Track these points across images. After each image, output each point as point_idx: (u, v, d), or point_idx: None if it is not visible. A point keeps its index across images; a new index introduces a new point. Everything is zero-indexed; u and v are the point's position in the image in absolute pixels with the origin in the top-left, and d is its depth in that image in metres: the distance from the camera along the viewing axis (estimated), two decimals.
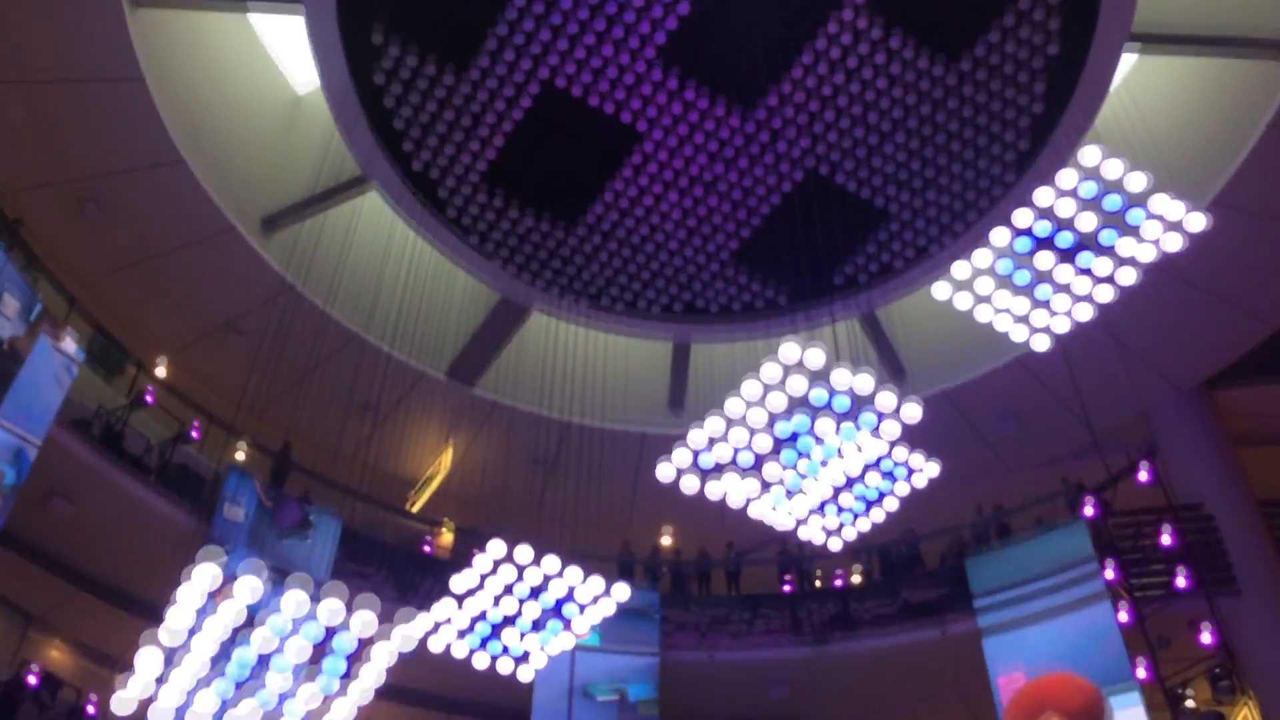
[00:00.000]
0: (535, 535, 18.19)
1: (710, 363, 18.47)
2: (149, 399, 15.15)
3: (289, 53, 15.72)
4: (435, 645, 8.63)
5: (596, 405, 17.32)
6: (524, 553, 8.75)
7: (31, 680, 12.47)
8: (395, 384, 17.46)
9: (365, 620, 6.72)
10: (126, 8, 12.82)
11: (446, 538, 19.52)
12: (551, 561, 8.85)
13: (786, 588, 17.96)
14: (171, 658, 6.52)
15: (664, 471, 8.90)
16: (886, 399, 8.49)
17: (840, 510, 9.13)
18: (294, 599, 6.53)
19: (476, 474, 19.19)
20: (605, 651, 16.11)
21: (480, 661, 8.77)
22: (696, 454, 8.77)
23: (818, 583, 18.23)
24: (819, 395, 8.43)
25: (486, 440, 19.11)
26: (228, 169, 15.36)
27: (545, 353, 17.07)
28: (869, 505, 9.10)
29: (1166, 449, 16.61)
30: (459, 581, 8.62)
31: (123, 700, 6.53)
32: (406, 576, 16.90)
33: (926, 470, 8.98)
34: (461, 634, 8.67)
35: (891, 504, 9.11)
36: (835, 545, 9.52)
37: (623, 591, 9.07)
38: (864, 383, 8.39)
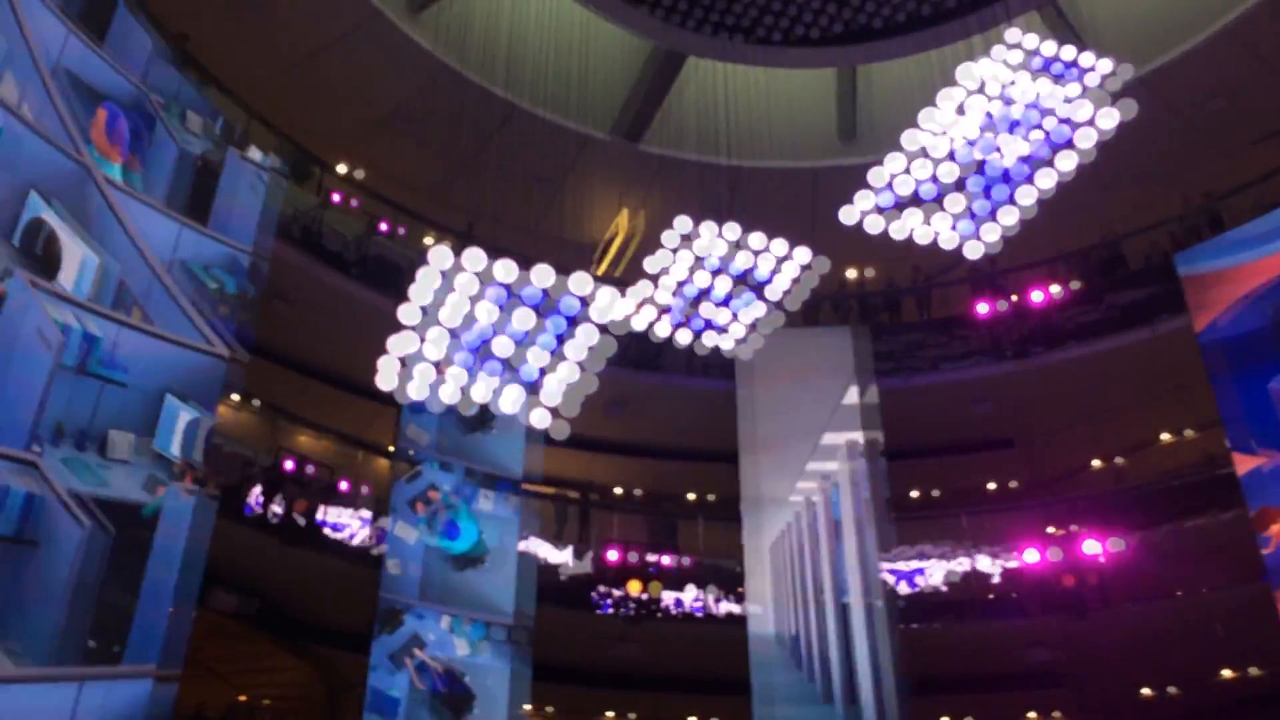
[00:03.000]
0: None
1: (880, 85, 17.59)
2: (336, 198, 15.74)
3: None
4: (638, 324, 8.50)
5: (765, 146, 16.92)
6: (708, 227, 8.53)
7: (288, 465, 13.81)
8: (564, 151, 17.50)
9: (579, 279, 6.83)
10: None
11: None
12: (732, 228, 8.58)
13: (982, 305, 17.57)
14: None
15: (847, 215, 8.58)
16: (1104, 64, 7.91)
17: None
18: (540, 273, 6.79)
19: (651, 232, 19.31)
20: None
21: (683, 337, 8.81)
22: (879, 191, 8.38)
23: (1014, 297, 17.74)
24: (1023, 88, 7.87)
25: (660, 196, 19.07)
26: None
27: (706, 99, 16.62)
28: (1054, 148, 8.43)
29: None
30: (652, 261, 8.53)
31: (384, 373, 6.85)
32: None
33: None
34: (661, 313, 8.66)
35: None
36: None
37: (823, 264, 8.80)
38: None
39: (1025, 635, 14.43)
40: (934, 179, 8.27)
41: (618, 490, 19.53)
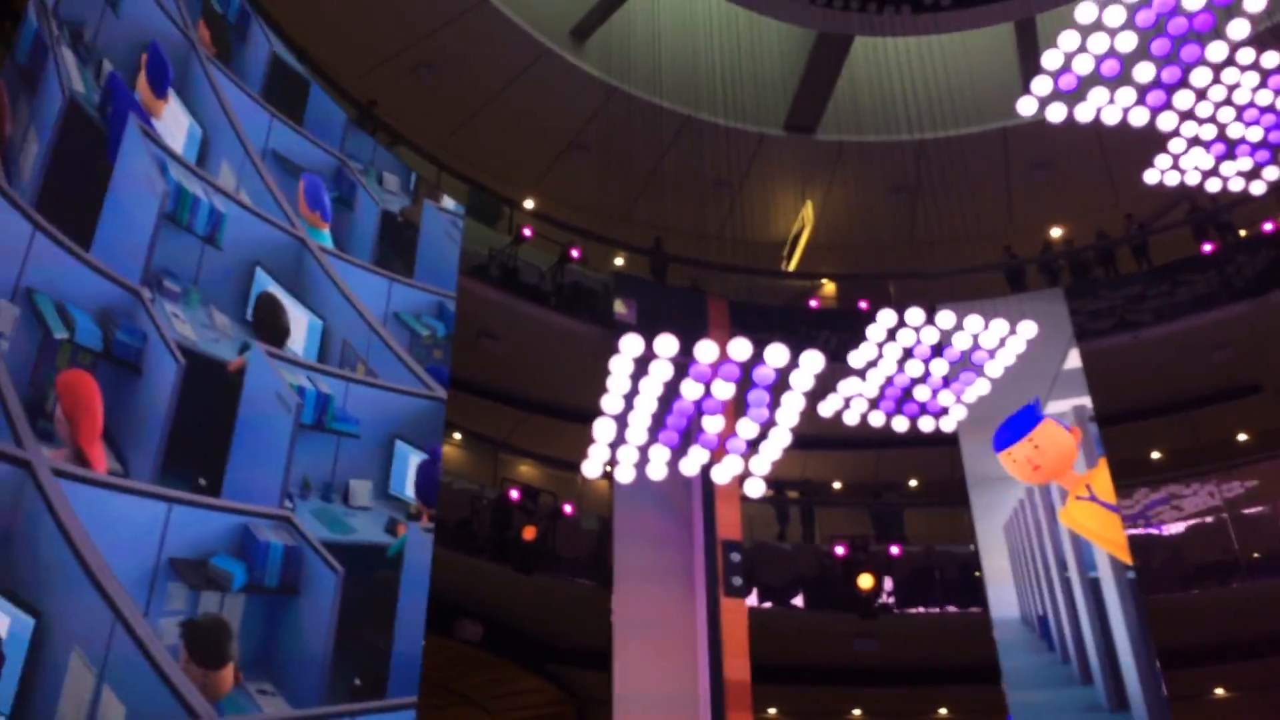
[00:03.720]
0: (913, 264, 18.18)
1: (1061, 30, 16.69)
2: (527, 233, 16.31)
3: None
4: (850, 419, 8.49)
5: (947, 114, 16.34)
6: (915, 315, 8.27)
7: (513, 495, 14.39)
8: (740, 154, 17.50)
9: (777, 353, 6.94)
10: None
11: (829, 288, 19.67)
12: (947, 317, 8.32)
13: (1206, 247, 16.32)
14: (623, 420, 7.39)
15: (1025, 106, 8.21)
16: None
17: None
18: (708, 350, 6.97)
19: (841, 220, 19.02)
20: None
21: (899, 425, 8.66)
22: (1059, 75, 7.94)
23: (1242, 233, 16.38)
24: None
25: (843, 184, 18.76)
26: None
27: (878, 77, 16.24)
28: None
29: None
30: (857, 356, 8.38)
31: (590, 465, 7.54)
32: (801, 333, 17.32)
33: None
34: (874, 404, 8.53)
35: None
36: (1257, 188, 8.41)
37: (1029, 329, 8.46)
38: None
39: None
40: (1113, 53, 7.78)
41: (837, 485, 19.27)
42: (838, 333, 17.39)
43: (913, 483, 19.12)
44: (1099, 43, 7.72)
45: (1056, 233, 19.17)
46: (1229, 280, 15.71)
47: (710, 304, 16.04)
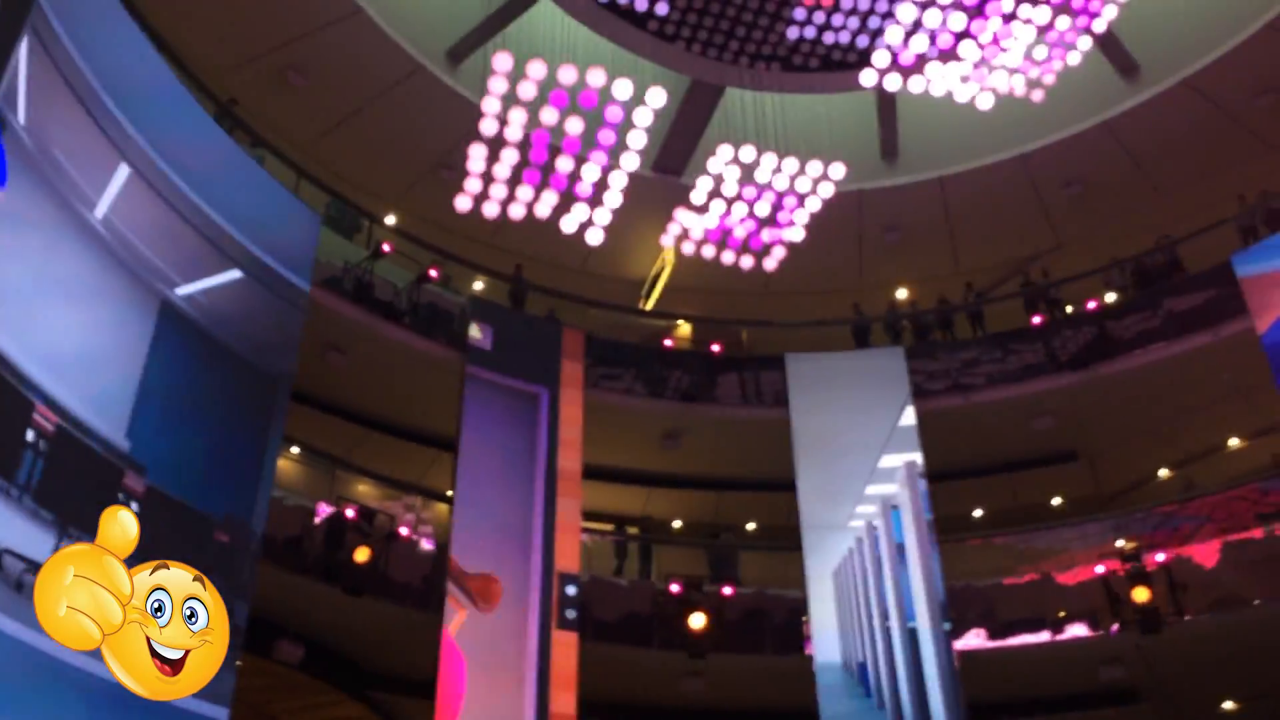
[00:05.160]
0: (766, 313, 18.68)
1: (921, 101, 17.53)
2: (387, 248, 16.02)
3: None
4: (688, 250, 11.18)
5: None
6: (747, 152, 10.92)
7: (349, 513, 14.01)
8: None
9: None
10: None
11: (684, 329, 19.98)
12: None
13: (1036, 319, 17.34)
14: None
15: (866, 77, 9.67)
16: None
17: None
18: None
19: (700, 265, 19.30)
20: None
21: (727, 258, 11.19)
22: (895, 52, 9.40)
23: (1069, 309, 17.48)
24: None
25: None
26: (404, 8, 15.58)
27: (746, 128, 16.69)
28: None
29: None
30: (696, 195, 10.89)
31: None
32: (654, 372, 17.53)
33: None
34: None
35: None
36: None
37: (838, 169, 11.01)
38: None
39: (1095, 652, 14.09)
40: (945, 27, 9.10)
41: (676, 524, 19.48)
42: (690, 374, 17.71)
43: (751, 525, 19.50)
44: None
45: (902, 294, 20.02)
46: (1054, 353, 16.71)
47: (566, 335, 16.07)
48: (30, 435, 7.88)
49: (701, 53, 16.76)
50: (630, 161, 10.60)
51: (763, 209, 10.65)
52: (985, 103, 10.68)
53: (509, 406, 14.69)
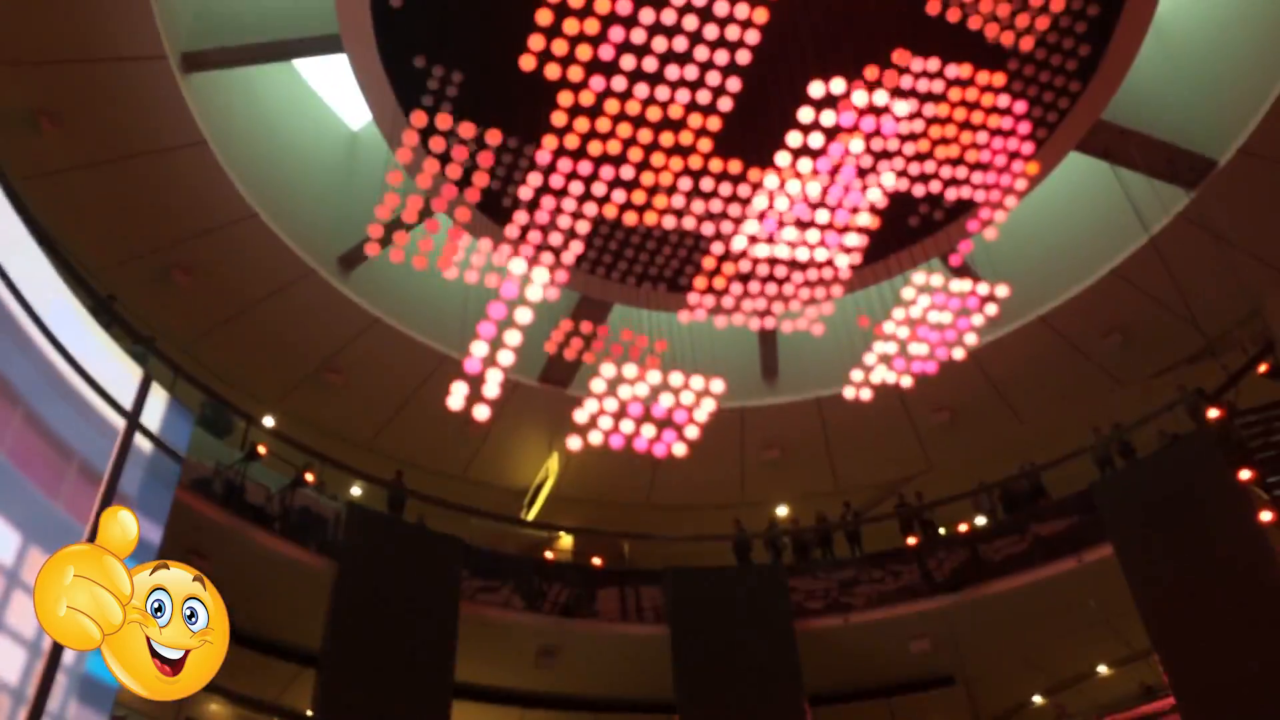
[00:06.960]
0: (648, 526, 18.60)
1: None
2: (262, 451, 15.57)
3: (338, 92, 16.05)
4: (594, 439, 11.24)
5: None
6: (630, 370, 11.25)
7: None
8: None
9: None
10: (178, 76, 13.19)
11: (565, 541, 19.72)
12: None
13: (911, 540, 17.68)
14: None
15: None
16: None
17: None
18: None
19: (584, 474, 19.35)
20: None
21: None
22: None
23: (942, 530, 17.91)
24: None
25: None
26: (299, 214, 15.73)
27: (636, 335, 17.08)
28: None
29: None
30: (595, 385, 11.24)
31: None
32: (532, 584, 17.12)
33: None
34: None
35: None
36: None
37: (717, 385, 11.42)
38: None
39: None
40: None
41: None
42: (570, 586, 17.33)
43: None
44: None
45: (783, 510, 20.26)
46: (929, 574, 16.97)
47: (441, 545, 15.65)
48: None
49: (591, 271, 17.29)
50: (506, 358, 11.02)
51: (648, 428, 10.91)
52: (865, 395, 11.85)
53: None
